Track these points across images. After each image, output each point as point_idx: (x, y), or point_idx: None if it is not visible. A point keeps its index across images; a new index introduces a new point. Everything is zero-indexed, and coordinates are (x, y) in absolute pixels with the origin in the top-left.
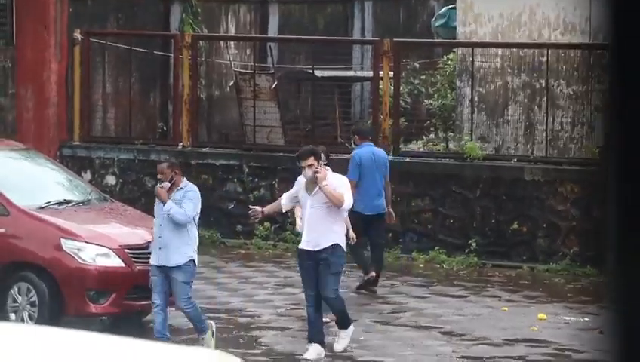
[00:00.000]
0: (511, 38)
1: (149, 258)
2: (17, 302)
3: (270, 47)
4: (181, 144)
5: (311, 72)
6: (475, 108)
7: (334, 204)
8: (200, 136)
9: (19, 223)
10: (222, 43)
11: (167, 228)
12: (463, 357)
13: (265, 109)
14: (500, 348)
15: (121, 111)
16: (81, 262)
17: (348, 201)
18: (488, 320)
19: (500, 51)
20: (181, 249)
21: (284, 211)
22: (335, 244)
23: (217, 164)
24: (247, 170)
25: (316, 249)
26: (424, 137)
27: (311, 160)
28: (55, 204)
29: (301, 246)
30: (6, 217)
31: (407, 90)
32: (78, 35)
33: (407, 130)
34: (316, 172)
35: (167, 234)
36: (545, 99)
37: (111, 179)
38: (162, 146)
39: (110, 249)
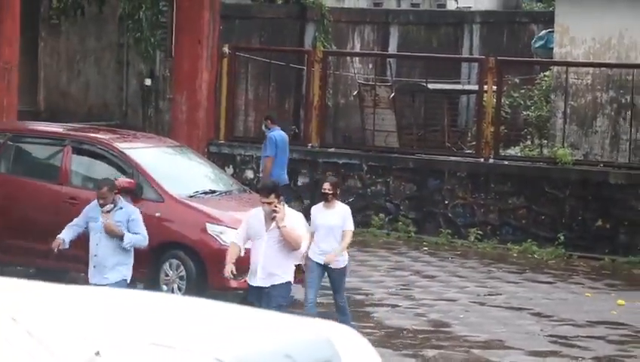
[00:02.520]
0: (601, 59)
1: None
2: (169, 275)
3: (390, 62)
4: (310, 144)
5: (424, 84)
6: (567, 120)
7: (291, 245)
8: (326, 138)
9: (171, 209)
10: (348, 58)
11: (104, 246)
12: (549, 336)
13: (383, 116)
14: (582, 329)
15: (260, 114)
16: (223, 243)
17: (304, 246)
18: (573, 304)
19: (591, 70)
20: (117, 268)
21: (243, 252)
22: (287, 282)
23: (340, 162)
24: (366, 168)
25: (267, 285)
26: (521, 143)
27: (271, 197)
28: (202, 193)
29: (252, 282)
30: (161, 203)
31: (507, 102)
32: (226, 49)
33: (507, 136)
34: (275, 211)
35: (103, 252)
36: (629, 113)
37: (250, 173)
38: (294, 146)
39: None
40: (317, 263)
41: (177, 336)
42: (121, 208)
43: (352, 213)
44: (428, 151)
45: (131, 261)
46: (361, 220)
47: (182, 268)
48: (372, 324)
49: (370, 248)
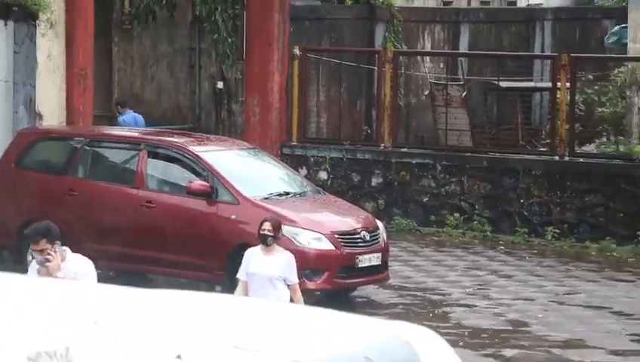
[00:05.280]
0: None
1: (355, 243)
2: None
3: (461, 61)
4: (383, 145)
5: (496, 82)
6: None
7: None
8: (399, 138)
9: (246, 211)
10: (419, 57)
11: None
12: (631, 334)
13: (455, 115)
14: None
15: (331, 116)
16: (298, 245)
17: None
18: None
19: None
20: None
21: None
22: None
23: (414, 162)
24: (439, 167)
25: None
26: (596, 141)
27: (42, 243)
28: (276, 195)
29: None
30: (236, 206)
31: (581, 99)
32: (297, 51)
33: (582, 134)
34: (47, 260)
35: None
36: None
37: (323, 175)
38: (367, 147)
39: (322, 234)
40: None
41: (257, 339)
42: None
43: (427, 213)
44: (502, 150)
45: None
46: (435, 220)
47: None
48: (450, 325)
49: (446, 248)
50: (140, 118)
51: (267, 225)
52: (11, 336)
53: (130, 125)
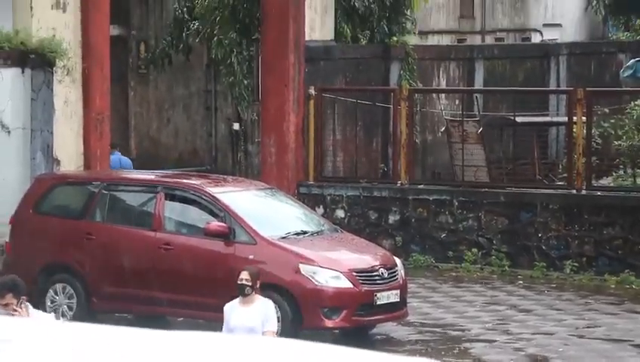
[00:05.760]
0: None
1: (373, 280)
2: None
3: (476, 97)
4: (399, 182)
5: (512, 118)
6: None
7: None
8: (415, 174)
9: (264, 251)
10: (434, 95)
11: None
12: None
13: (472, 151)
14: None
15: (348, 154)
16: (317, 283)
17: None
18: None
19: None
20: None
21: None
22: None
23: (431, 198)
24: (457, 203)
25: None
26: (614, 173)
27: (8, 298)
28: (294, 234)
29: None
30: (254, 245)
31: (598, 132)
32: (312, 91)
33: (598, 167)
34: (12, 315)
35: None
36: None
37: (340, 213)
38: (384, 184)
39: (340, 272)
40: None
41: None
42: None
43: (445, 249)
44: (518, 185)
45: None
46: (453, 256)
47: (277, 309)
48: (470, 360)
49: (465, 283)
50: (125, 160)
51: (244, 275)
52: None
53: (114, 167)
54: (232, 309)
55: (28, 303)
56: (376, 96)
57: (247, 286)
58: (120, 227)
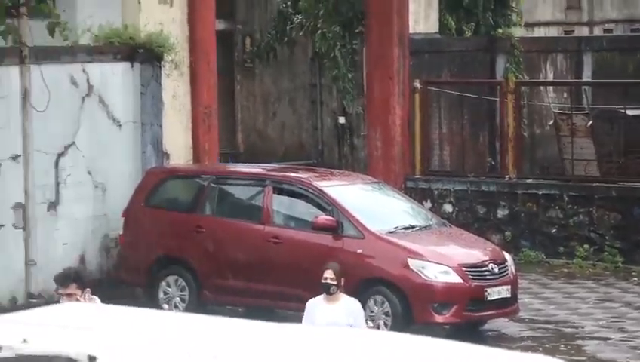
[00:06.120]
0: None
1: (483, 275)
2: (373, 312)
3: (585, 90)
4: (508, 176)
5: (623, 110)
6: None
7: None
8: (524, 169)
9: (372, 245)
10: (542, 87)
11: None
12: None
13: (581, 145)
14: None
15: (454, 148)
16: (426, 278)
17: None
18: None
19: None
20: None
21: None
22: None
23: (540, 193)
24: (567, 198)
25: None
26: None
27: (72, 288)
28: (402, 228)
29: None
30: (362, 240)
31: None
32: (417, 84)
33: None
34: None
35: None
36: None
37: (448, 207)
38: (492, 178)
39: (450, 267)
40: None
41: None
42: None
43: (556, 244)
44: (631, 179)
45: None
46: (564, 251)
47: (386, 303)
48: (584, 358)
49: (577, 280)
50: None
51: (329, 273)
52: None
53: None
54: (316, 306)
55: (94, 296)
56: (482, 89)
57: (332, 284)
58: (229, 220)
